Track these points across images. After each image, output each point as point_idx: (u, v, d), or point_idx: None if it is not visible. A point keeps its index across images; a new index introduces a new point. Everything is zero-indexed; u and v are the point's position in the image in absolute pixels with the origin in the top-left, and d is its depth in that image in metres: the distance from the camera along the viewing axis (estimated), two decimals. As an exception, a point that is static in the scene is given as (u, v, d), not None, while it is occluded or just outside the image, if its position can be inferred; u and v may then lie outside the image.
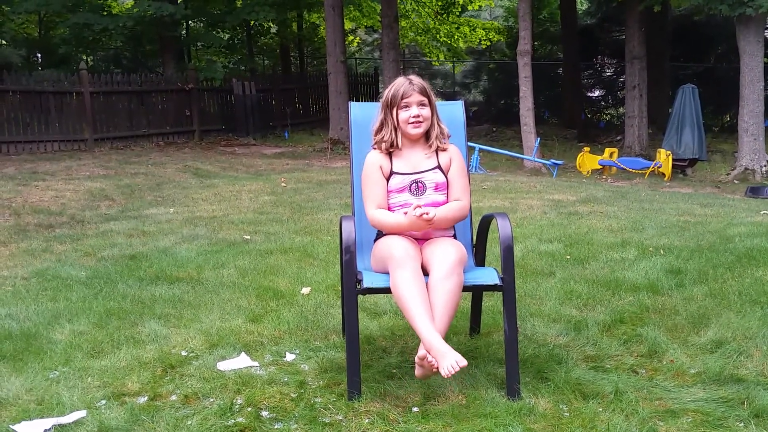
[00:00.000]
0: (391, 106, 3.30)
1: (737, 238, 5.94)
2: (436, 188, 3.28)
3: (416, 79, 3.32)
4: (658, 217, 7.23)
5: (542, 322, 3.97)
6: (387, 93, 3.33)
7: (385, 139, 3.31)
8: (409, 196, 3.27)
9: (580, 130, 20.13)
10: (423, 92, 3.28)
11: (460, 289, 3.02)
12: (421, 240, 3.23)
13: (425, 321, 2.89)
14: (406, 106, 3.28)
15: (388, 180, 3.30)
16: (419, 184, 3.27)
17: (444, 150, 3.34)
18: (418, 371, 3.01)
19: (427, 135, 3.34)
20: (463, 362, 2.77)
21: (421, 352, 2.89)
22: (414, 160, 3.32)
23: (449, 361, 2.77)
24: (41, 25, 21.97)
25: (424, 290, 2.97)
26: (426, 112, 3.29)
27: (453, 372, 2.77)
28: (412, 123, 3.27)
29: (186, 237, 6.59)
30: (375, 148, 3.37)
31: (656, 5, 14.93)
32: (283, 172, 11.79)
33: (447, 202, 3.31)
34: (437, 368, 2.82)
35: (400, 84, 3.31)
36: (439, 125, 3.35)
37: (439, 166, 3.31)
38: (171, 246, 6.20)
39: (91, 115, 15.05)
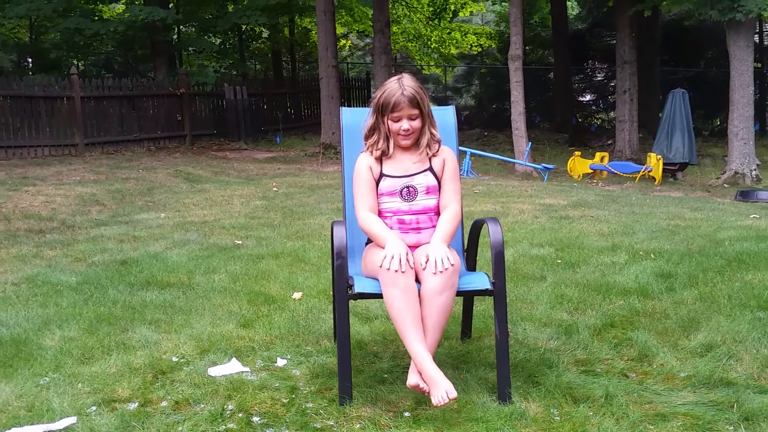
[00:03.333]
0: (382, 113, 3.25)
1: (727, 242, 5.97)
2: (427, 192, 3.27)
3: (408, 87, 3.20)
4: (649, 221, 7.25)
5: (533, 326, 3.98)
6: (379, 97, 3.25)
7: (378, 146, 3.28)
8: (401, 202, 3.25)
9: (571, 135, 20.18)
10: (414, 103, 3.20)
11: (452, 301, 3.02)
12: (412, 246, 3.22)
13: (417, 344, 2.92)
14: (398, 119, 3.22)
15: (378, 182, 3.28)
16: (410, 189, 3.25)
17: (433, 155, 3.31)
18: (410, 381, 2.99)
19: (417, 141, 3.30)
20: (453, 394, 2.82)
21: (412, 380, 2.93)
22: (405, 161, 3.30)
23: (441, 391, 2.82)
24: (32, 30, 21.90)
25: (417, 307, 2.96)
26: (416, 123, 3.23)
27: (443, 403, 2.81)
28: (402, 135, 3.24)
29: (177, 242, 6.57)
30: (366, 151, 3.35)
31: (646, 10, 15.01)
32: (275, 177, 11.77)
33: (438, 205, 3.29)
34: (428, 393, 2.88)
35: (392, 92, 3.20)
36: (430, 131, 3.29)
37: (430, 168, 3.29)
38: (162, 251, 6.19)
39: (81, 120, 15.00)
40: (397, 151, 3.31)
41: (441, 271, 2.95)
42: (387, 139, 3.28)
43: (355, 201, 3.30)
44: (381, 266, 2.96)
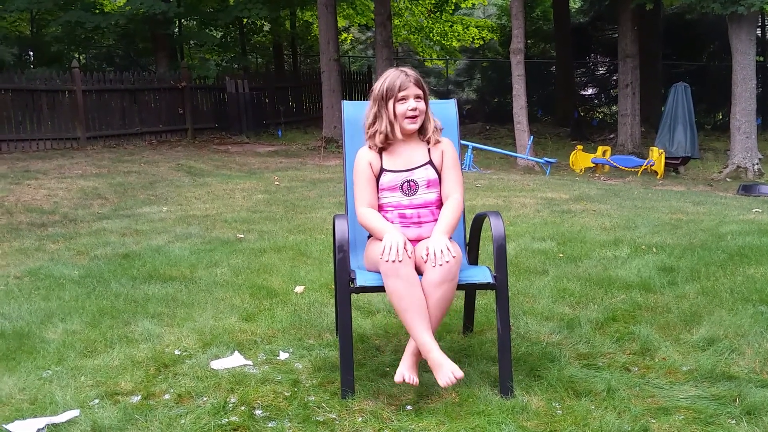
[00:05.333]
0: (386, 98, 3.23)
1: (729, 236, 5.96)
2: (428, 185, 3.25)
3: (410, 71, 3.25)
4: (651, 215, 7.25)
5: (535, 320, 3.98)
6: (381, 85, 3.25)
7: (380, 131, 3.24)
8: (402, 196, 3.23)
9: (573, 129, 20.16)
10: (419, 84, 3.24)
11: (453, 293, 3.02)
12: (414, 240, 3.21)
13: (423, 332, 2.93)
14: (404, 99, 3.22)
15: (379, 177, 3.26)
16: (411, 184, 3.24)
17: (437, 142, 3.31)
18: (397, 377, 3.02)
19: (422, 129, 3.29)
20: (459, 373, 2.85)
21: (398, 376, 2.96)
22: (406, 155, 3.28)
23: (446, 371, 2.85)
24: (33, 23, 21.89)
25: (420, 295, 2.95)
26: (422, 105, 3.25)
27: (451, 383, 2.84)
28: (409, 117, 3.22)
29: (179, 236, 6.58)
30: (368, 145, 3.32)
31: (648, 3, 14.96)
32: (277, 171, 11.77)
33: (439, 198, 3.28)
34: (416, 384, 2.95)
35: (395, 76, 3.23)
36: (432, 118, 3.32)
37: (430, 161, 3.28)
38: (164, 245, 6.19)
39: (83, 114, 15.00)
40: (398, 144, 3.29)
41: (441, 264, 2.95)
42: (391, 126, 3.24)
43: (354, 197, 3.29)
44: (381, 257, 2.96)
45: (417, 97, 3.23)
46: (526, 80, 14.44)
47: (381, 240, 3.08)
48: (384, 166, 3.27)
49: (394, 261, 2.93)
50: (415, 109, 3.22)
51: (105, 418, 2.82)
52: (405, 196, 3.24)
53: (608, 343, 3.62)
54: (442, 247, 2.98)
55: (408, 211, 3.23)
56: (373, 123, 3.29)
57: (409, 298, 2.93)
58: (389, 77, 3.25)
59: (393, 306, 2.99)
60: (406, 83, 3.21)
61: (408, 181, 3.25)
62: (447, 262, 2.95)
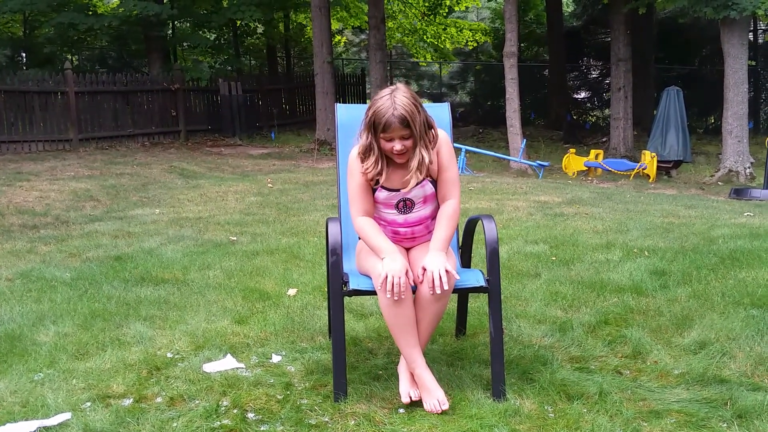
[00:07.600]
0: (374, 131, 3.03)
1: (721, 239, 5.99)
2: (424, 202, 3.16)
3: (400, 105, 2.94)
4: (643, 219, 7.27)
5: (528, 323, 3.99)
6: (370, 112, 3.00)
7: (369, 170, 3.07)
8: (397, 213, 3.15)
9: (566, 132, 20.22)
10: (404, 123, 2.94)
11: (446, 306, 3.03)
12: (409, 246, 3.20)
13: (411, 349, 2.98)
14: (389, 139, 3.01)
15: (374, 190, 3.14)
16: (407, 202, 3.14)
17: (427, 176, 3.12)
18: (404, 398, 3.02)
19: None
20: (446, 405, 2.89)
21: (404, 397, 2.98)
22: (402, 171, 3.10)
23: (433, 399, 2.91)
24: (26, 25, 21.81)
25: (411, 312, 2.95)
26: (409, 143, 3.03)
27: (435, 411, 2.88)
28: (396, 154, 3.05)
29: (172, 238, 6.56)
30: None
31: (641, 7, 15.03)
32: (270, 173, 11.76)
33: (435, 210, 3.18)
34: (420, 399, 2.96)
35: (383, 111, 2.95)
36: (422, 153, 3.03)
37: (427, 175, 3.13)
38: (156, 247, 6.18)
39: (75, 115, 14.96)
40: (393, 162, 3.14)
41: (439, 288, 2.89)
42: (382, 160, 3.08)
43: (350, 202, 3.16)
44: (379, 288, 2.91)
45: (403, 136, 3.00)
46: (520, 83, 14.49)
47: (379, 256, 3.01)
48: (380, 182, 3.12)
49: (390, 296, 2.88)
50: (401, 149, 3.02)
51: (97, 421, 2.81)
52: (400, 213, 3.16)
53: (600, 346, 3.63)
54: (441, 269, 2.89)
55: (402, 229, 3.18)
56: (367, 155, 3.09)
57: (402, 314, 2.94)
58: (379, 109, 2.97)
59: (384, 318, 3.01)
60: (390, 124, 2.94)
61: (404, 200, 3.14)
62: (446, 288, 2.90)
